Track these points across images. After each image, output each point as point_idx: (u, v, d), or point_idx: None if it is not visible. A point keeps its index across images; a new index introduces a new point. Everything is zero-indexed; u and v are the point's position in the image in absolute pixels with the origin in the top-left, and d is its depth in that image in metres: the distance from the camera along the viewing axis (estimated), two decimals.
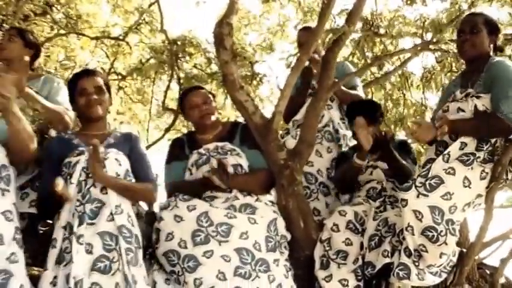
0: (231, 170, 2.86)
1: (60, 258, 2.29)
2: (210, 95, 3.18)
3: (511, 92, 2.61)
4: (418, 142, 2.88)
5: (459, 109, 2.77)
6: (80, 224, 2.29)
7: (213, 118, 3.10)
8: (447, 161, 2.62)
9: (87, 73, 2.81)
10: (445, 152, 2.65)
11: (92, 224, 2.31)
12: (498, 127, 2.62)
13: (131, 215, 2.46)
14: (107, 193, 2.38)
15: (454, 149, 2.64)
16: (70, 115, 3.09)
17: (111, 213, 2.35)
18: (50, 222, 2.77)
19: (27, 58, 3.13)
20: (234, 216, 2.67)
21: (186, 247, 2.57)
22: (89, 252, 2.27)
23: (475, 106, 2.70)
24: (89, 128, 2.73)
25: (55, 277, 2.26)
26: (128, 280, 2.26)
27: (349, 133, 3.54)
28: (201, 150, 2.99)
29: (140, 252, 2.42)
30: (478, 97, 2.71)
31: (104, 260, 2.28)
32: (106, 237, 2.31)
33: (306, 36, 3.56)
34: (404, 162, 2.99)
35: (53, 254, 2.30)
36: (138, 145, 2.80)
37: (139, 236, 2.44)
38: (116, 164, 2.49)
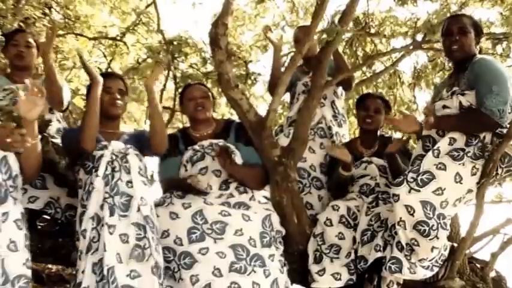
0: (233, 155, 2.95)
1: (88, 247, 2.40)
2: (209, 93, 3.22)
3: (495, 87, 2.64)
4: (400, 132, 2.90)
5: (444, 106, 2.79)
6: (111, 214, 2.43)
7: (207, 114, 3.13)
8: (437, 156, 2.65)
9: (114, 75, 3.03)
10: (435, 147, 2.68)
11: (125, 215, 2.47)
12: (483, 121, 2.64)
13: (153, 207, 2.61)
14: (132, 186, 2.54)
15: (443, 144, 2.67)
16: (65, 103, 3.14)
17: (138, 205, 2.51)
18: (48, 218, 2.82)
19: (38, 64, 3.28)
20: (229, 214, 2.71)
21: (181, 244, 2.62)
22: (126, 241, 2.42)
23: (460, 102, 2.72)
24: (105, 126, 2.79)
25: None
26: (158, 265, 2.43)
27: (341, 130, 3.60)
28: (196, 147, 3.03)
29: None
30: (462, 94, 2.74)
31: (137, 249, 2.42)
32: (135, 227, 2.46)
33: (302, 35, 3.60)
34: (403, 166, 3.04)
35: (83, 245, 2.42)
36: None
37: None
38: (137, 158, 2.65)
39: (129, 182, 2.55)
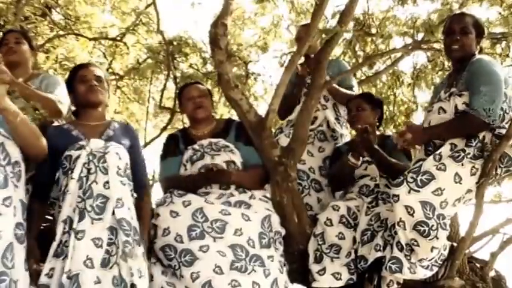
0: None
1: (58, 251, 2.34)
2: (207, 92, 3.23)
3: (483, 87, 2.64)
4: (408, 146, 2.92)
5: (441, 109, 2.80)
6: (80, 220, 2.34)
7: (206, 113, 3.14)
8: (439, 160, 2.66)
9: (88, 64, 2.91)
10: (437, 152, 2.68)
11: (100, 219, 2.37)
12: (470, 122, 2.64)
13: (131, 207, 2.49)
14: (109, 188, 2.42)
15: (445, 150, 2.67)
16: (64, 107, 3.13)
17: (113, 208, 2.39)
18: (51, 218, 2.82)
19: (31, 61, 3.30)
20: (229, 213, 2.71)
21: (182, 242, 2.62)
22: (99, 246, 2.33)
23: (456, 106, 2.73)
24: (87, 118, 2.74)
25: (51, 269, 2.31)
26: (121, 274, 2.32)
27: (346, 132, 3.59)
28: (196, 146, 3.04)
29: (139, 245, 2.46)
30: (460, 95, 2.74)
31: (105, 254, 2.34)
32: (109, 231, 2.37)
33: (304, 33, 3.59)
34: (393, 160, 3.03)
35: (52, 247, 2.35)
36: (137, 143, 2.83)
37: (138, 229, 2.49)
38: (116, 157, 2.50)
39: (106, 182, 2.42)
